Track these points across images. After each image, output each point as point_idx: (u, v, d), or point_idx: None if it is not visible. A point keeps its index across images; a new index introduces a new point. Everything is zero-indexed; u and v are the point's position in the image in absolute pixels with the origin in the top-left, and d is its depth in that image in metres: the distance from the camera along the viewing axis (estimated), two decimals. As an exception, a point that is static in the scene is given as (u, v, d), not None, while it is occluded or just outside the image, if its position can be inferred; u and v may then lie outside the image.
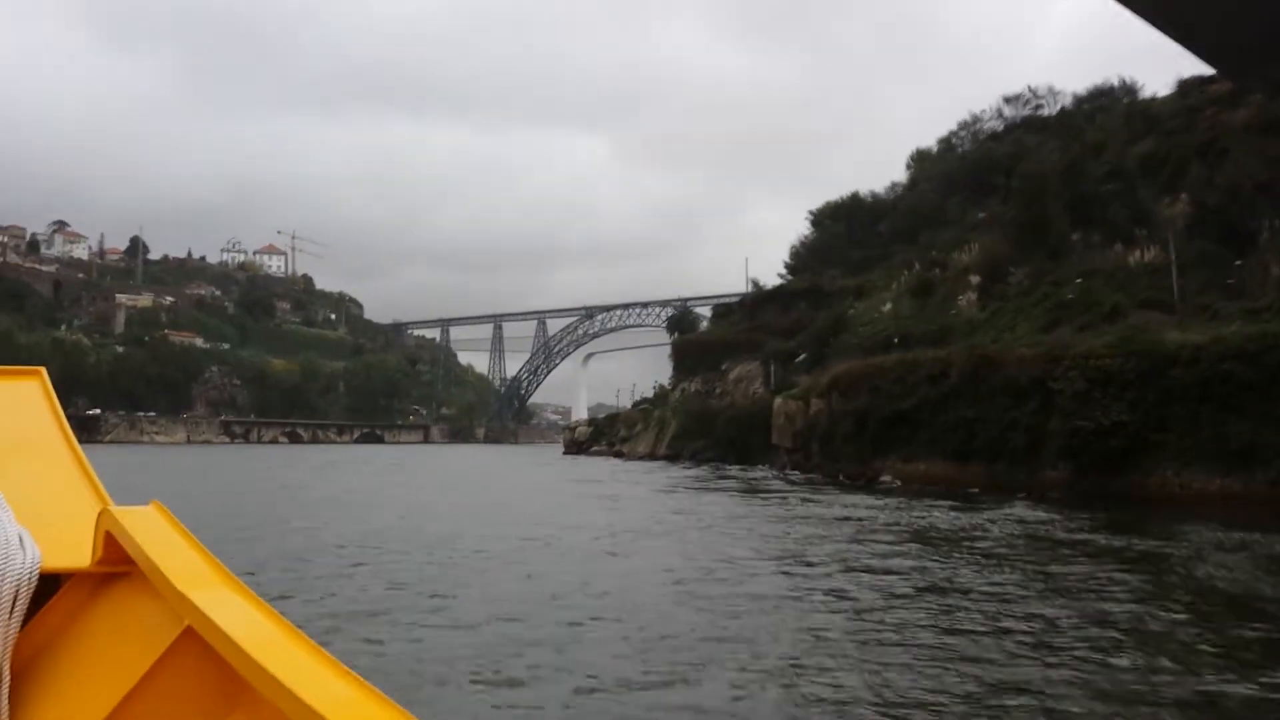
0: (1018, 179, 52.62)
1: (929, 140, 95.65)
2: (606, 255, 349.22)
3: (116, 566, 1.78)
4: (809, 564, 15.17)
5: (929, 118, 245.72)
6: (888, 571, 14.25)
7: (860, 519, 22.35)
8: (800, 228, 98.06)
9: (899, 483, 34.66)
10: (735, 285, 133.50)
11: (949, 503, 26.62)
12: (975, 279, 51.02)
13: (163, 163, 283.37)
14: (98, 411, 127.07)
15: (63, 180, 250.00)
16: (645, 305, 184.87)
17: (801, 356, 66.66)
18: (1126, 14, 48.82)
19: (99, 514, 1.82)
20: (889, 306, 58.68)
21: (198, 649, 1.49)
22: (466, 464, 66.92)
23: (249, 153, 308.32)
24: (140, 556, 1.66)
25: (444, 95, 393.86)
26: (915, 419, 36.18)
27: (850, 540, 18.21)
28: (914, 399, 36.25)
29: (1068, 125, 56.98)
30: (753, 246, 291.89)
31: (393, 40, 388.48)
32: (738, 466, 56.71)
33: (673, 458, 73.36)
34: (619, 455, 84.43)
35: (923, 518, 22.63)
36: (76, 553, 1.84)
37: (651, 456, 77.88)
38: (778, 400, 50.28)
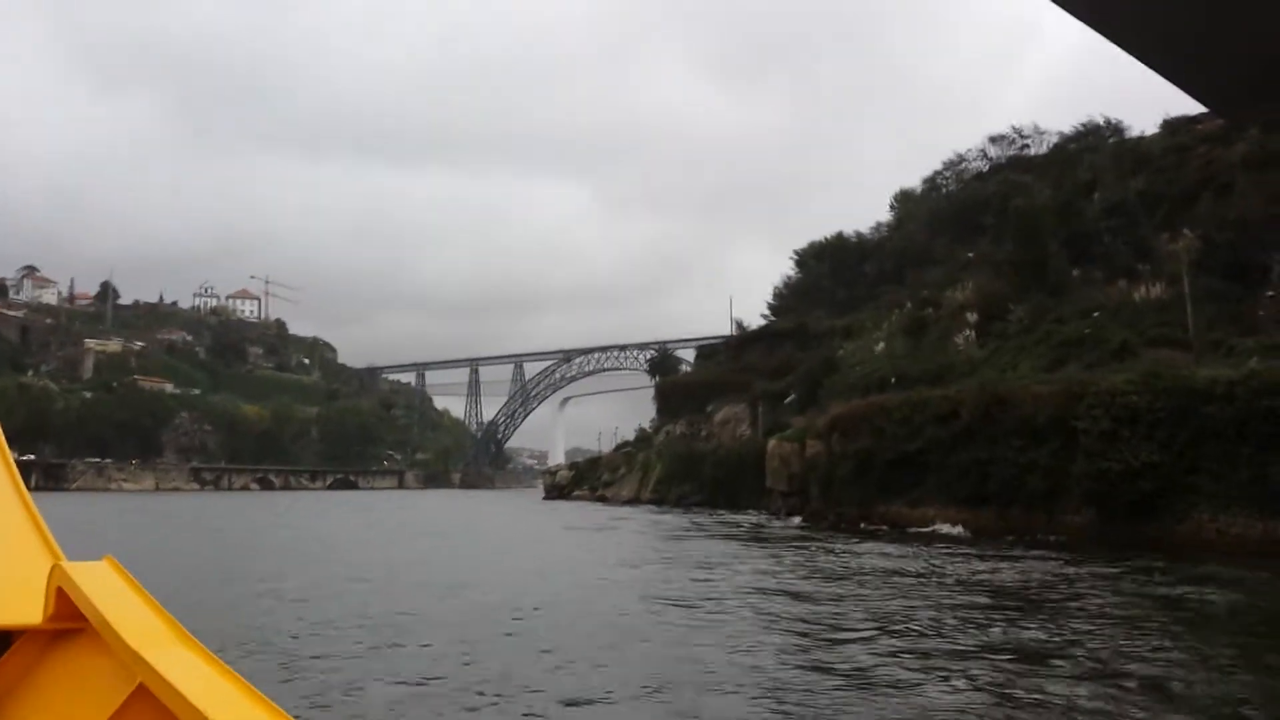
0: (1012, 216, 51.45)
1: (908, 183, 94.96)
2: (587, 300, 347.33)
3: (69, 623, 1.75)
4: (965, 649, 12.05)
5: (905, 163, 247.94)
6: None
7: (920, 573, 20.10)
8: (781, 272, 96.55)
9: (966, 532, 31.68)
10: (715, 329, 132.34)
11: (1025, 553, 24.64)
12: (972, 317, 49.61)
13: (141, 209, 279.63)
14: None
15: (38, 227, 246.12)
16: (624, 348, 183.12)
17: (791, 397, 65.05)
18: (1101, 62, 48.17)
19: (51, 569, 1.80)
20: (881, 346, 57.22)
21: (151, 707, 1.46)
22: (452, 513, 64.01)
23: (229, 200, 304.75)
24: (93, 613, 1.64)
25: (427, 142, 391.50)
26: (922, 461, 34.44)
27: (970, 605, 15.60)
28: (920, 440, 34.52)
29: (1060, 162, 56.08)
30: (733, 290, 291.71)
31: (378, 89, 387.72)
32: (729, 511, 54.82)
33: (658, 502, 71.40)
34: (602, 500, 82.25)
35: (1025, 574, 20.04)
36: (27, 609, 1.80)
37: (636, 501, 75.84)
38: (771, 442, 48.48)
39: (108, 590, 1.69)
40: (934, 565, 21.46)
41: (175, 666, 1.45)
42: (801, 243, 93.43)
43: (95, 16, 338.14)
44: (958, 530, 31.67)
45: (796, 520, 41.62)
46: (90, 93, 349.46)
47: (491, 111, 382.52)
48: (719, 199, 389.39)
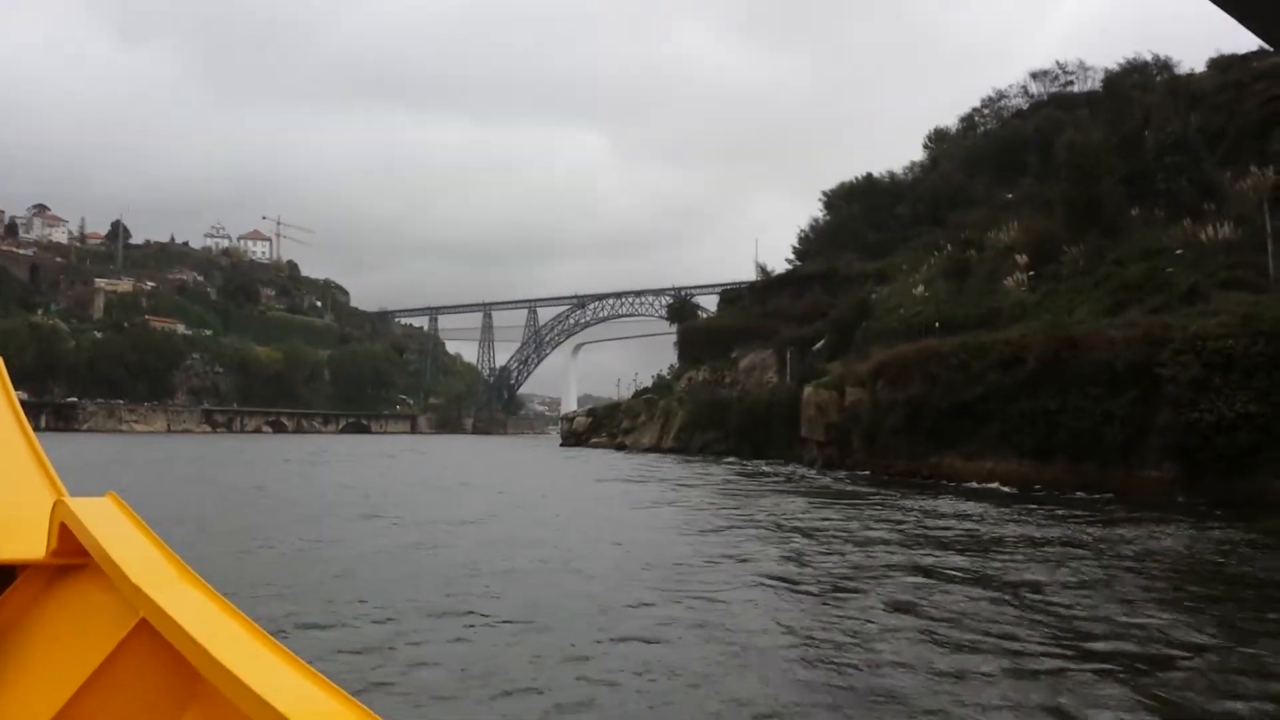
0: (1065, 152, 48.40)
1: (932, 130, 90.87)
2: (605, 247, 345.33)
3: (71, 558, 1.76)
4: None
5: (930, 114, 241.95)
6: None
7: (1067, 541, 17.00)
8: (809, 216, 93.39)
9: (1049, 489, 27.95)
10: (732, 278, 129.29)
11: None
12: (1022, 259, 46.80)
13: (163, 154, 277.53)
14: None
15: (61, 170, 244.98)
16: (639, 294, 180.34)
17: (820, 343, 62.57)
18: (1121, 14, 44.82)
19: (54, 505, 1.80)
20: (921, 289, 54.44)
21: (152, 642, 1.49)
22: (474, 461, 61.10)
23: (251, 146, 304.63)
24: (95, 548, 1.65)
25: (450, 90, 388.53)
26: (981, 411, 31.94)
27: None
28: (980, 388, 31.98)
29: (1116, 96, 52.92)
30: (749, 241, 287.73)
31: (402, 37, 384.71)
32: (760, 461, 52.62)
33: (680, 450, 69.38)
34: (621, 448, 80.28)
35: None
36: (30, 544, 1.81)
37: (657, 449, 73.85)
38: (807, 390, 46.02)
39: (110, 526, 1.67)
40: (1072, 532, 18.51)
41: (177, 602, 1.44)
42: (820, 194, 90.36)
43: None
44: (1009, 488, 29.29)
45: (840, 473, 39.26)
46: (112, 41, 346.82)
47: (514, 62, 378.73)
48: (738, 151, 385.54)
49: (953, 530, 18.94)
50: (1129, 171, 46.06)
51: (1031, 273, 46.58)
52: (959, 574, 13.59)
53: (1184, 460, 25.68)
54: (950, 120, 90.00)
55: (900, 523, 20.27)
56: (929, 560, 14.94)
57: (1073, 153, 47.15)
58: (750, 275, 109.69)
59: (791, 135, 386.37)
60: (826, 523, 20.27)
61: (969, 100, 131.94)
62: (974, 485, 30.38)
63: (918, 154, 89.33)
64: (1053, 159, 59.43)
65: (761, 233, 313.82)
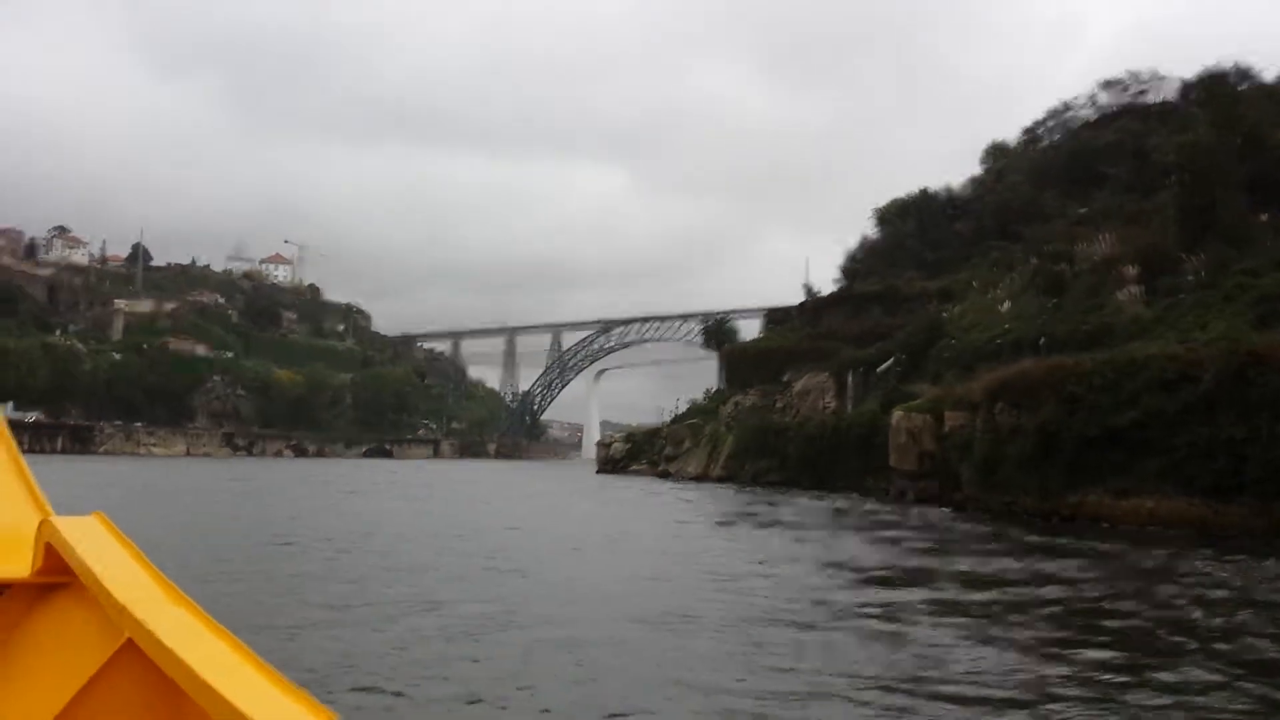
0: (1179, 156, 44.14)
1: (950, 174, 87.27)
2: (625, 276, 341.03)
3: (57, 577, 1.74)
4: None
5: (953, 147, 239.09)
6: None
7: None
8: (822, 249, 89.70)
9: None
10: (760, 303, 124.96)
11: None
12: (1132, 271, 42.39)
13: (188, 181, 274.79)
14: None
15: (85, 195, 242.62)
16: (664, 319, 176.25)
17: (886, 364, 58.12)
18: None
19: (39, 524, 1.79)
20: (1007, 306, 50.08)
21: (138, 662, 1.47)
22: (519, 490, 56.05)
23: (275, 175, 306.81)
24: (81, 567, 1.64)
25: (471, 125, 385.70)
26: (1136, 439, 27.36)
27: None
28: (1134, 412, 27.34)
29: (1222, 97, 48.69)
30: (772, 267, 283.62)
31: (425, 74, 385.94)
32: (827, 493, 47.97)
33: (729, 479, 64.86)
34: (665, 476, 75.72)
35: None
36: (15, 563, 1.79)
37: (705, 477, 69.34)
38: (896, 414, 41.47)
39: (96, 545, 1.65)
40: None
41: (164, 622, 1.42)
42: (848, 224, 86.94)
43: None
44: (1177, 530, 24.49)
45: (945, 510, 34.58)
46: (147, 74, 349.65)
47: (534, 99, 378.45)
48: (756, 184, 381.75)
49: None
50: (1252, 175, 41.72)
51: (1136, 288, 42.31)
52: None
53: None
54: (979, 149, 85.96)
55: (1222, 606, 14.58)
56: None
57: (1187, 156, 42.82)
58: (778, 300, 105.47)
59: (811, 169, 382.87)
60: (1138, 619, 13.87)
61: (993, 132, 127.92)
62: (1137, 529, 25.72)
63: (955, 180, 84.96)
64: (1146, 168, 55.31)
65: (782, 261, 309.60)
